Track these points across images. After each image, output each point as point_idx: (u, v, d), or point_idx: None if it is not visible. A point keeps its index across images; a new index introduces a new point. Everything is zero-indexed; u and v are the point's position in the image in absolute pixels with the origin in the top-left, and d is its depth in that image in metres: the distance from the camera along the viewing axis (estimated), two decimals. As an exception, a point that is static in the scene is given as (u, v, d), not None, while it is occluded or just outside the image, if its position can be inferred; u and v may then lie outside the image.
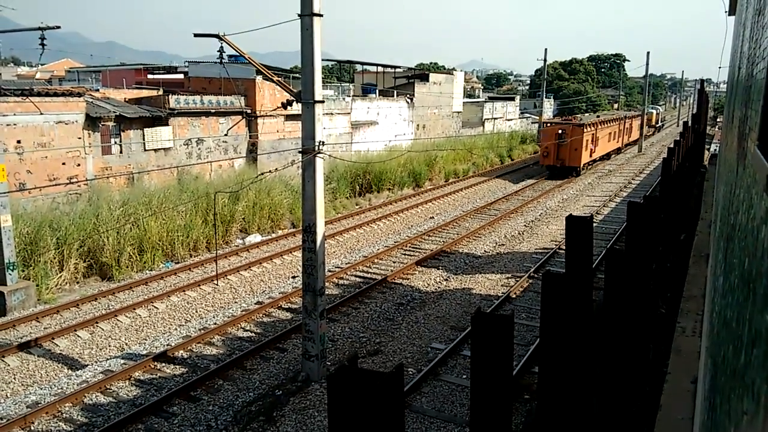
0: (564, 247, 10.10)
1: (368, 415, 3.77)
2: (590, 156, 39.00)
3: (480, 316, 4.79)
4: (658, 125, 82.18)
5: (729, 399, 1.95)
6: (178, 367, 12.03)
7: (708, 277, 6.35)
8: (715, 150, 28.02)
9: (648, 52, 54.22)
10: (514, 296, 16.11)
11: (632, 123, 55.20)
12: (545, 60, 48.91)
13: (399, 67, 48.07)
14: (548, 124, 38.75)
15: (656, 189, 29.38)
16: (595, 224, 22.68)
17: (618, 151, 50.53)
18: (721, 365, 2.38)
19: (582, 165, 37.08)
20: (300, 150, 10.93)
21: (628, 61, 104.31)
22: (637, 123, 57.47)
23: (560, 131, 35.79)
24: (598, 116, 45.14)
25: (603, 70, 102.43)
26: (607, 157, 45.87)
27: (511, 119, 60.59)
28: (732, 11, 12.03)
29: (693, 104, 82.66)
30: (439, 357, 12.17)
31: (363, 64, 46.99)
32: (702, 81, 33.93)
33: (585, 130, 35.91)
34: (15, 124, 19.24)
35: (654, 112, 78.16)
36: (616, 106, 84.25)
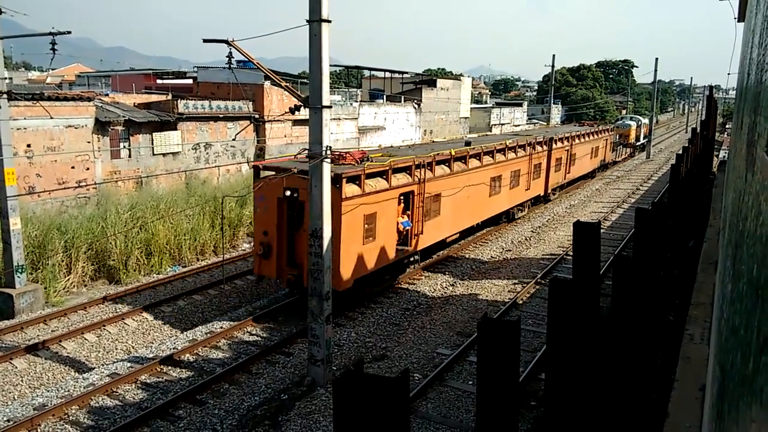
0: (571, 253, 10.08)
1: (374, 421, 3.77)
2: (388, 256, 15.54)
3: (486, 322, 4.79)
4: (638, 144, 55.93)
5: (737, 407, 1.93)
6: (184, 370, 12.06)
7: (716, 284, 6.31)
8: (724, 156, 27.89)
9: (656, 59, 54.09)
10: (520, 302, 16.05)
11: (572, 149, 31.43)
12: (553, 66, 48.90)
13: (406, 72, 48.18)
14: (268, 176, 13.91)
15: (664, 195, 29.26)
16: (602, 230, 22.59)
17: (528, 205, 27.04)
18: (730, 373, 2.36)
19: (350, 281, 14.09)
20: (308, 155, 10.97)
21: (637, 67, 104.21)
22: (589, 147, 35.39)
23: (289, 192, 13.83)
24: (464, 142, 22.49)
25: (611, 76, 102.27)
26: (485, 225, 23.26)
27: (519, 125, 60.55)
28: (741, 18, 11.99)
29: (702, 111, 78.78)
30: (445, 362, 12.14)
31: (370, 69, 47.15)
32: (711, 87, 33.85)
33: (350, 194, 13.69)
34: (25, 128, 19.41)
35: (633, 125, 53.92)
36: (624, 112, 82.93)
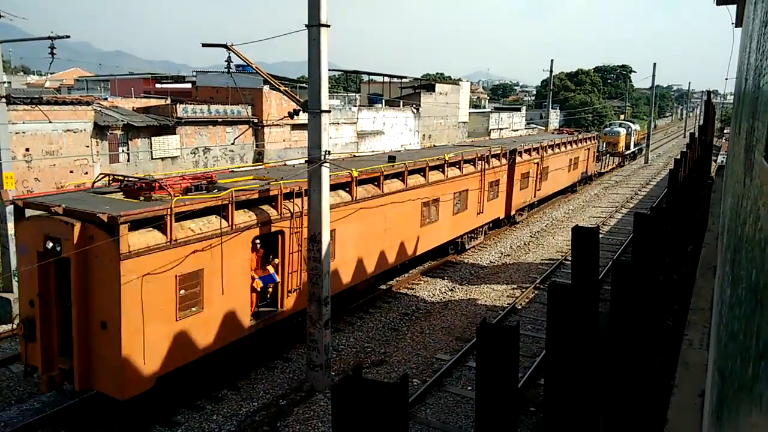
0: (570, 258, 10.08)
1: (373, 426, 3.75)
2: (240, 326, 11.20)
3: (485, 327, 4.78)
4: (628, 153, 52.05)
5: (737, 412, 1.93)
6: (183, 376, 11.99)
7: (715, 289, 6.31)
8: (722, 161, 27.92)
9: (654, 64, 54.29)
10: (519, 307, 16.04)
11: (543, 162, 27.42)
12: (551, 71, 48.98)
13: (405, 77, 48.25)
14: (30, 215, 9.70)
15: (663, 200, 29.28)
16: (601, 235, 22.60)
17: (483, 231, 22.63)
18: (729, 378, 2.36)
19: (149, 379, 9.44)
20: (306, 159, 10.98)
21: (635, 72, 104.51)
22: (566, 158, 31.51)
23: (51, 243, 9.14)
24: (387, 157, 17.57)
25: (609, 81, 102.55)
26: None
27: (517, 129, 60.66)
28: (739, 23, 12.04)
29: (700, 115, 78.58)
30: (444, 368, 12.12)
31: (369, 74, 47.23)
32: (709, 92, 33.94)
33: (141, 247, 9.05)
34: (24, 132, 19.40)
35: (622, 132, 49.88)
36: (622, 116, 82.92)
